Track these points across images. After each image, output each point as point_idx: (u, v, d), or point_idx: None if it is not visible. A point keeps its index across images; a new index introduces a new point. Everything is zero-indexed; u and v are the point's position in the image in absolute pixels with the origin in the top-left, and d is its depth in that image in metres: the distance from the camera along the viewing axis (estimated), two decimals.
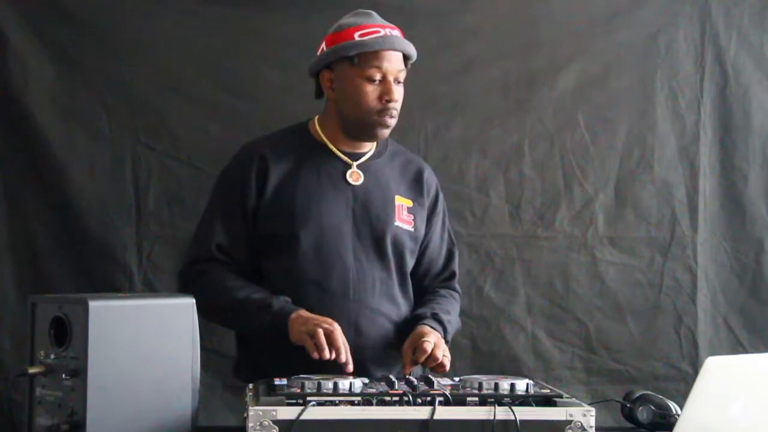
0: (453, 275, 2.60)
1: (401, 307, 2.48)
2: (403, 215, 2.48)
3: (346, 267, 2.41)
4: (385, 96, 2.38)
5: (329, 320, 2.24)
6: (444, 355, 2.28)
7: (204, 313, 2.43)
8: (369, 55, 2.37)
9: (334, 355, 2.18)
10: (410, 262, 2.52)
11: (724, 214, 3.34)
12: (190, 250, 2.49)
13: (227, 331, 3.10)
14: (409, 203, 2.50)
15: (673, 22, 3.32)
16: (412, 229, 2.49)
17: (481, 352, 3.23)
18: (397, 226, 2.46)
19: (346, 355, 2.19)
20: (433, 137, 3.25)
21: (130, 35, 3.14)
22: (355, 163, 2.46)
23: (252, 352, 2.48)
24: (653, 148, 3.32)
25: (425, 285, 2.57)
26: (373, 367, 2.36)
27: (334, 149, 2.46)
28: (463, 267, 3.24)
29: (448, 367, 2.28)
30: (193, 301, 2.06)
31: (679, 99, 3.33)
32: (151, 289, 3.11)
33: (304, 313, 2.28)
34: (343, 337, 2.22)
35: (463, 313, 3.22)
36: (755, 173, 3.34)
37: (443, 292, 2.56)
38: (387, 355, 2.41)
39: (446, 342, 2.41)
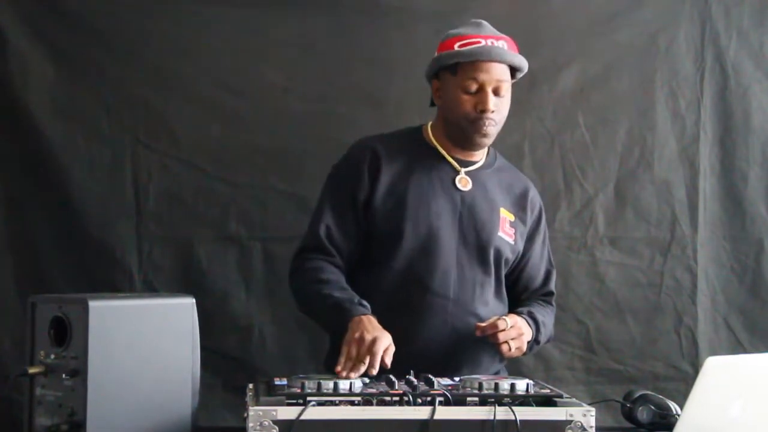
0: (551, 293, 2.65)
1: (496, 312, 2.50)
2: (506, 228, 2.52)
3: (449, 268, 2.44)
4: (479, 105, 2.40)
5: (380, 335, 2.20)
6: (506, 341, 2.33)
7: (298, 303, 2.51)
8: (466, 66, 2.40)
9: (351, 375, 2.12)
10: (504, 271, 2.56)
11: (724, 214, 3.34)
12: (303, 237, 2.52)
13: (227, 331, 3.12)
14: (512, 217, 2.54)
15: (673, 22, 3.32)
16: (513, 243, 2.53)
17: None
18: (500, 237, 2.50)
19: (370, 368, 2.14)
20: None
21: (130, 35, 3.14)
22: (463, 170, 2.49)
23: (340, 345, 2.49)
24: (653, 148, 3.33)
25: (523, 299, 2.61)
26: (466, 368, 2.38)
27: (446, 155, 2.50)
28: None
29: (505, 354, 2.36)
30: (193, 301, 2.06)
31: (679, 99, 3.33)
32: (151, 289, 3.11)
33: (365, 319, 2.26)
34: (384, 349, 2.16)
35: None
36: (755, 173, 3.34)
37: (541, 301, 2.62)
38: (480, 356, 2.43)
39: (537, 343, 2.49)
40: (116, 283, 3.10)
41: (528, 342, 2.44)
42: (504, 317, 2.37)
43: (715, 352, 3.17)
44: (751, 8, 3.34)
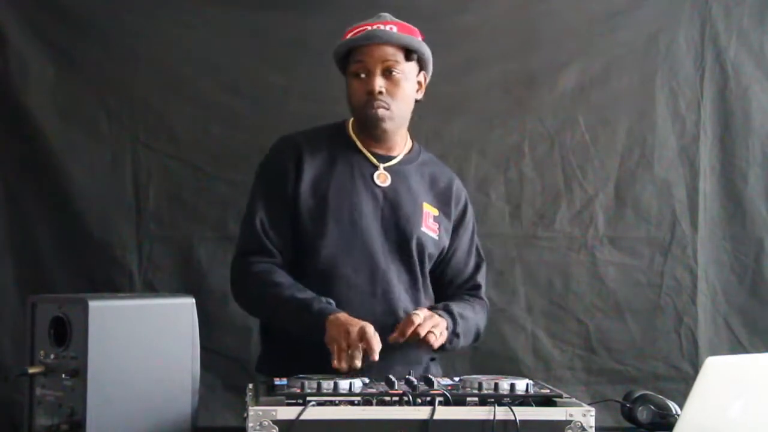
0: (478, 287, 2.61)
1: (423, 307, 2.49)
2: (429, 222, 2.51)
3: (375, 265, 2.43)
4: (366, 88, 2.41)
5: (364, 323, 2.22)
6: (431, 331, 2.28)
7: (250, 307, 2.49)
8: (353, 53, 2.44)
9: (356, 364, 2.15)
10: (428, 267, 2.54)
11: (724, 214, 3.35)
12: (238, 244, 2.50)
13: (227, 331, 3.12)
14: (435, 212, 2.53)
15: (673, 22, 3.32)
16: (437, 237, 2.52)
17: (481, 352, 3.22)
18: (423, 232, 2.49)
19: (371, 353, 2.17)
20: (433, 137, 3.24)
21: (130, 35, 3.14)
22: (382, 165, 2.49)
23: (277, 349, 2.49)
24: (653, 148, 3.33)
25: (449, 294, 2.58)
26: (399, 365, 2.35)
27: (365, 150, 2.50)
28: None
29: (435, 343, 2.29)
30: (193, 300, 2.06)
31: (679, 99, 3.33)
32: (151, 289, 3.11)
33: (342, 315, 2.27)
34: (376, 338, 2.19)
35: None
36: (755, 173, 3.34)
37: (466, 296, 2.58)
38: (409, 352, 2.40)
39: (456, 335, 2.42)
40: (116, 283, 3.10)
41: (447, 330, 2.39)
42: (414, 313, 2.31)
43: (715, 352, 3.16)
44: (751, 8, 3.35)
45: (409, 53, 2.45)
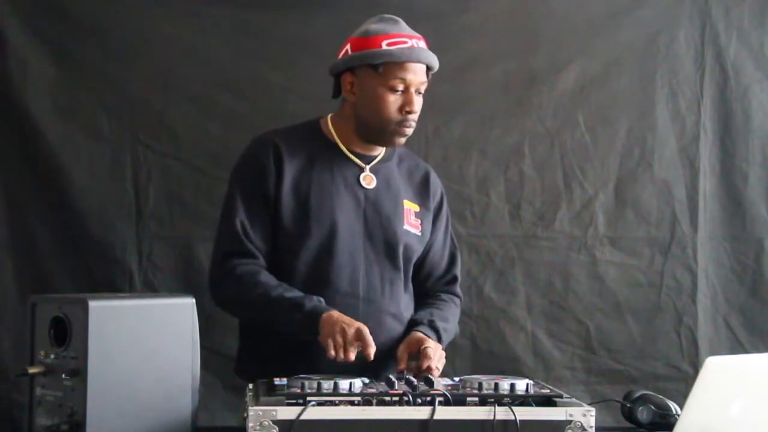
0: (455, 279, 2.61)
1: (406, 308, 2.50)
2: (411, 219, 2.50)
3: (357, 267, 2.42)
4: (406, 107, 2.38)
5: (358, 323, 2.23)
6: (437, 365, 2.28)
7: (234, 308, 2.46)
8: (395, 66, 2.38)
9: (350, 356, 2.16)
10: (413, 265, 2.53)
11: (724, 214, 3.35)
12: (218, 246, 2.46)
13: (227, 331, 3.12)
14: (417, 208, 2.52)
15: (673, 22, 3.32)
16: (420, 234, 2.51)
17: (481, 352, 3.23)
18: (406, 230, 2.47)
19: (367, 347, 2.17)
20: (433, 137, 3.25)
21: (130, 35, 3.14)
22: (368, 167, 2.47)
23: (256, 350, 2.48)
24: (653, 148, 3.33)
25: (427, 288, 2.58)
26: (381, 367, 2.35)
27: (347, 151, 2.47)
28: (463, 267, 3.23)
29: (437, 375, 2.28)
30: (193, 301, 2.06)
31: (679, 99, 3.33)
32: (151, 289, 3.11)
33: (335, 313, 2.26)
34: (372, 339, 2.20)
35: (463, 313, 3.22)
36: (755, 173, 3.34)
37: (444, 296, 2.57)
38: (394, 355, 2.39)
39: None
40: (116, 283, 3.10)
41: None
42: (427, 346, 2.28)
43: (715, 352, 3.17)
44: (751, 8, 3.35)
45: (429, 71, 2.44)
